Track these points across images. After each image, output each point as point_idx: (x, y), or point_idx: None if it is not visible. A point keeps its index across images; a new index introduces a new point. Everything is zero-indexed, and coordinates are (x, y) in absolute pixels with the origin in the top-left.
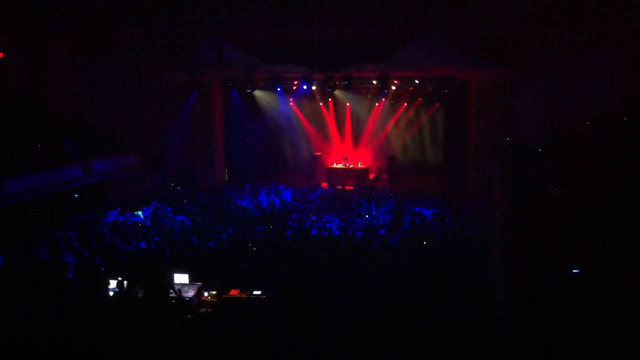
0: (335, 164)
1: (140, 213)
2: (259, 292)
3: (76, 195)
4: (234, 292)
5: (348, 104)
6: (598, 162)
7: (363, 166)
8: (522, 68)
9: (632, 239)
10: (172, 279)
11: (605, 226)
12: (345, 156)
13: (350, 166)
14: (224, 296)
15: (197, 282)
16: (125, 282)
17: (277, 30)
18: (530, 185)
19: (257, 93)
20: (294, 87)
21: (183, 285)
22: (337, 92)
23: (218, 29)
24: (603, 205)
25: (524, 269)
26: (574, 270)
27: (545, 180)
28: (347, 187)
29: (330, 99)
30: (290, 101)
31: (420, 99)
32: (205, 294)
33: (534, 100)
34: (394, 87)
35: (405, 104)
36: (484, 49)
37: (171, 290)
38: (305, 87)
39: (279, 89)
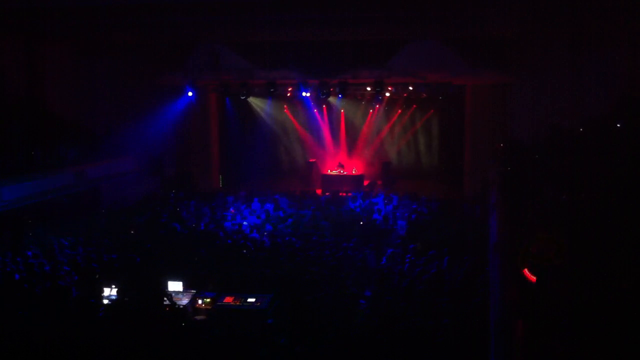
0: (330, 171)
1: None
2: (253, 299)
3: (64, 200)
4: (228, 300)
5: (342, 111)
6: (597, 164)
7: (358, 172)
8: (519, 70)
9: (632, 239)
10: (165, 286)
11: (605, 227)
12: (341, 163)
13: (345, 173)
14: (218, 303)
15: (191, 289)
16: (118, 290)
17: (273, 33)
18: (528, 187)
19: (252, 99)
20: (289, 94)
21: (177, 292)
22: (331, 99)
23: (214, 32)
24: (602, 207)
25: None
26: None
27: (543, 182)
28: (341, 194)
29: (324, 106)
30: (285, 108)
31: (415, 105)
32: (200, 301)
33: (531, 102)
34: (388, 94)
35: (400, 110)
36: (481, 50)
37: (165, 298)
38: (305, 93)
39: (269, 98)
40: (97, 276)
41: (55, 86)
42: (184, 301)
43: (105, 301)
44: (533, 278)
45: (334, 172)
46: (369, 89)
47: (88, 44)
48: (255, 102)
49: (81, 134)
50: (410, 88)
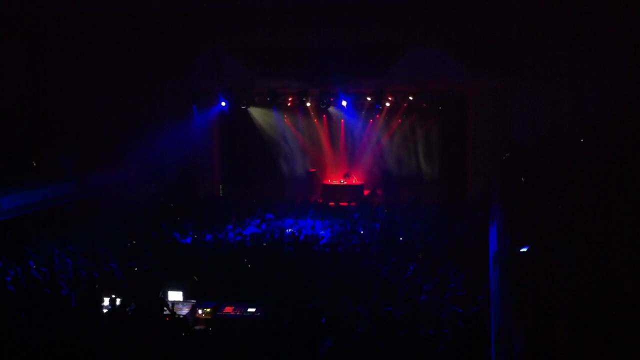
0: (330, 180)
1: None
2: (253, 309)
3: (65, 209)
4: (228, 310)
5: (342, 120)
6: (597, 167)
7: (358, 182)
8: (520, 73)
9: (633, 243)
10: (165, 296)
11: (605, 230)
12: (349, 173)
13: (345, 182)
14: (218, 313)
15: (192, 299)
16: (117, 300)
17: (274, 38)
18: (529, 192)
19: (252, 109)
20: (289, 104)
21: (177, 302)
22: (331, 109)
23: (216, 37)
24: (602, 210)
25: (523, 277)
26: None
27: (544, 189)
28: (341, 204)
29: (324, 115)
30: (285, 117)
31: (415, 115)
32: (200, 311)
33: (532, 107)
34: (388, 104)
35: (400, 119)
36: (482, 53)
37: (165, 307)
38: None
39: (274, 108)
40: (96, 286)
41: (56, 91)
42: (184, 311)
43: (105, 310)
44: None
45: (335, 182)
46: (369, 99)
47: (89, 49)
48: (255, 111)
49: (82, 140)
50: (411, 98)
